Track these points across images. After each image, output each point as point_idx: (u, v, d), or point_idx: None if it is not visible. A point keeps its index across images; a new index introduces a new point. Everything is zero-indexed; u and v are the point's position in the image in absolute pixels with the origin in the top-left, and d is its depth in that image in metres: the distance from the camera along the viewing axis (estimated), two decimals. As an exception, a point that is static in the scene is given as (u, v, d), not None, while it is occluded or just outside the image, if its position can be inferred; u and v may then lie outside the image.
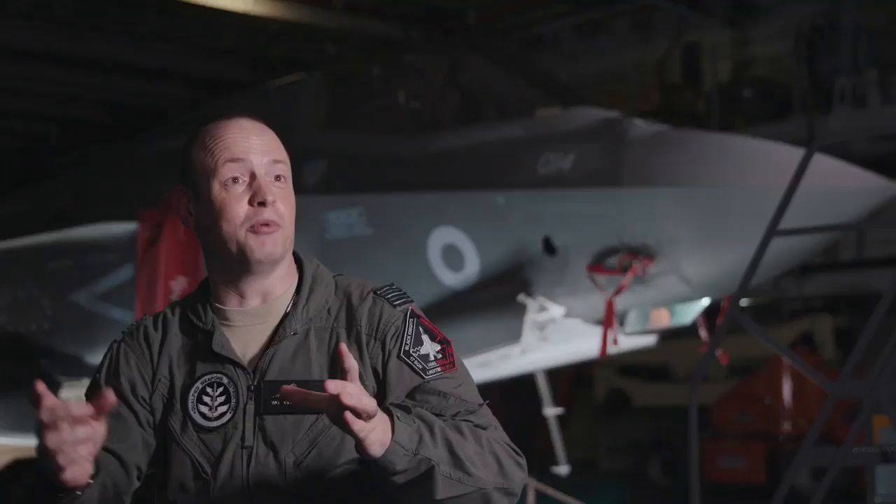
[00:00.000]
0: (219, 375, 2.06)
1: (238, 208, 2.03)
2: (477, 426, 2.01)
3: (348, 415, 1.73)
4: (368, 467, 1.87)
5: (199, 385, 2.06)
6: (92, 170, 10.06)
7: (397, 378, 2.02)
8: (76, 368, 8.28)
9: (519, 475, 2.02)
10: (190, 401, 2.06)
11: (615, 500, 11.49)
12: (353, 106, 7.67)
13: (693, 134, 6.58)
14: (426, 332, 2.08)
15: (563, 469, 7.90)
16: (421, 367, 2.03)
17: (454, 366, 2.07)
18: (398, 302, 2.10)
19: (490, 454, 1.97)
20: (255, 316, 2.09)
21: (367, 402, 1.75)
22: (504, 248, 6.36)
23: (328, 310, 2.10)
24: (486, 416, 2.05)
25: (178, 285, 7.32)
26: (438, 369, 2.04)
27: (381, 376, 2.03)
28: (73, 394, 8.00)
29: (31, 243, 8.85)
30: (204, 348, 2.08)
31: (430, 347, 2.06)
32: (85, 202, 9.05)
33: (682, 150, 6.04)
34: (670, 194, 5.87)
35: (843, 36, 12.19)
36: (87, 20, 9.35)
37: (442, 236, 6.56)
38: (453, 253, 6.52)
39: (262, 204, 2.02)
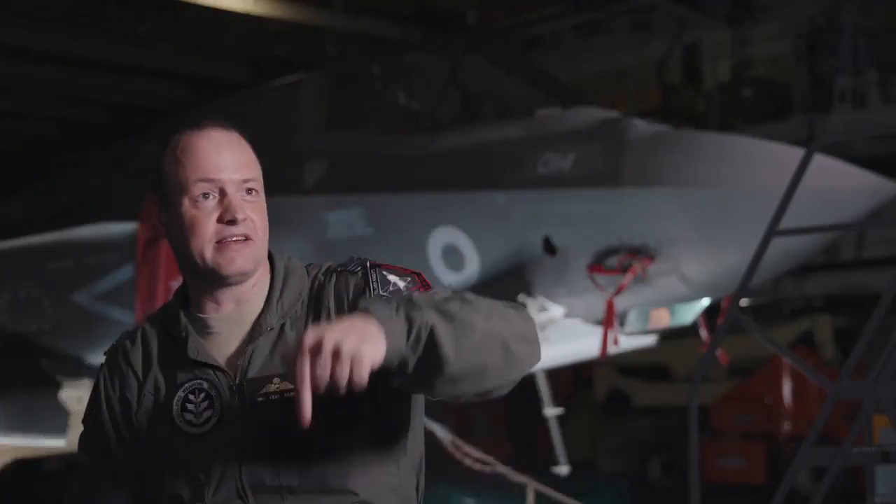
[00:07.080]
0: (199, 381, 2.06)
1: (207, 225, 2.03)
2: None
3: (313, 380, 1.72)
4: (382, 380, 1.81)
5: (181, 394, 2.06)
6: (92, 170, 10.05)
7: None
8: (76, 368, 8.26)
9: (524, 316, 1.95)
10: (174, 410, 2.06)
11: (617, 501, 11.46)
12: (353, 106, 7.66)
13: (693, 134, 6.57)
14: (392, 272, 2.07)
15: (563, 469, 7.90)
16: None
17: (431, 287, 2.05)
18: (359, 269, 2.09)
19: (484, 304, 1.90)
20: (231, 320, 2.09)
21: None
22: (504, 248, 6.35)
23: (302, 302, 2.10)
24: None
25: (178, 285, 7.29)
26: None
27: None
28: (74, 394, 8.00)
29: (31, 243, 8.84)
30: (182, 356, 2.08)
31: (400, 283, 2.04)
32: (85, 202, 9.05)
33: (682, 150, 6.04)
34: (670, 194, 5.87)
35: (843, 36, 12.16)
36: (87, 20, 9.35)
37: (442, 236, 6.55)
38: (453, 253, 6.52)
39: (233, 222, 2.02)
